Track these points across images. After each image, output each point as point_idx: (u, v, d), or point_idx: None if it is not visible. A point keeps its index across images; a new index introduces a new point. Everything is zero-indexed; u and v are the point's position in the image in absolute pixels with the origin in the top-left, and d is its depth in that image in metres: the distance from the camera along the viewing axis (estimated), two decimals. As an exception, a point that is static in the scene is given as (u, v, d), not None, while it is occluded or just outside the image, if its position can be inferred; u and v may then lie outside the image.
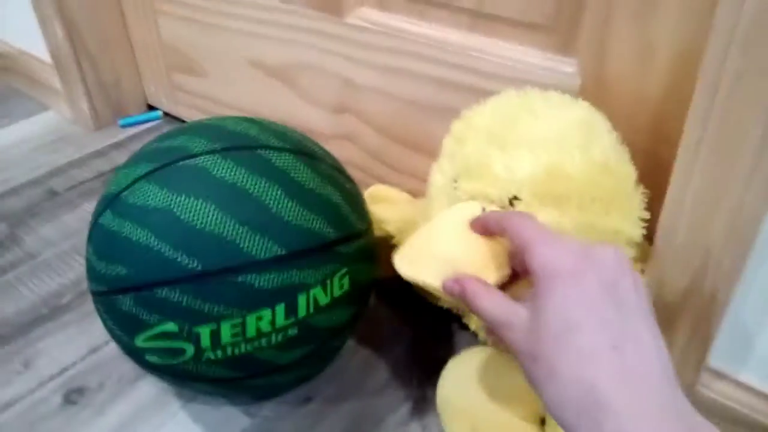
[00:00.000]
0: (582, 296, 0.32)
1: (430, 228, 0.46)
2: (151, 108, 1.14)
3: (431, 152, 0.70)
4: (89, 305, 0.73)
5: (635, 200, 0.47)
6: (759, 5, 0.37)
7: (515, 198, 0.45)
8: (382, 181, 0.77)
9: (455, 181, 0.48)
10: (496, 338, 0.37)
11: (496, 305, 0.36)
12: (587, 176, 0.44)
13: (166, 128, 1.08)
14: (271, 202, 0.48)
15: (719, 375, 0.54)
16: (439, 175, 0.51)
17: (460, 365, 0.57)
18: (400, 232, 0.64)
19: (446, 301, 0.66)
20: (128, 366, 0.66)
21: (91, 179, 0.97)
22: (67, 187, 0.96)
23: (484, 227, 0.40)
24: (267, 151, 0.52)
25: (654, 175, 0.48)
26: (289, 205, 0.49)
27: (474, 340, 0.65)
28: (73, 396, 0.64)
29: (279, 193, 0.49)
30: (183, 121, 1.08)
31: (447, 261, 0.42)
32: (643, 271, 0.51)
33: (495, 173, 0.45)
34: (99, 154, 1.04)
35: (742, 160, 0.42)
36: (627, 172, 0.47)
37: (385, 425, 0.59)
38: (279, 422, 0.60)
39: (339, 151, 0.75)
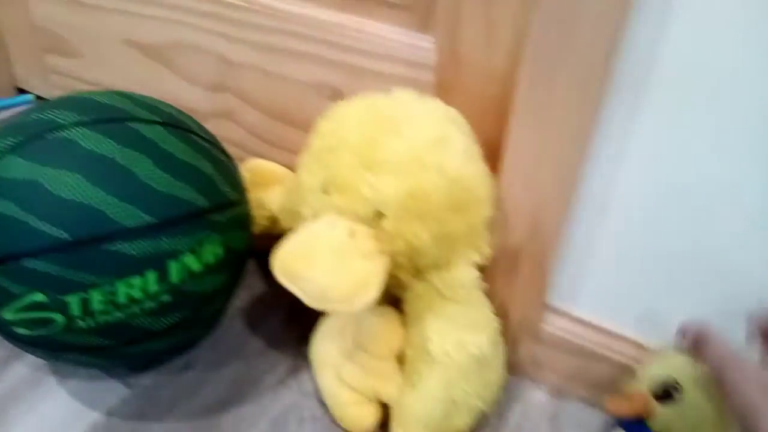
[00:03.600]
0: None
1: (304, 243, 0.49)
2: (22, 92, 1.09)
3: (308, 127, 0.74)
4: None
5: (485, 195, 0.53)
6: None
7: (381, 214, 0.49)
8: (262, 157, 0.79)
9: (325, 189, 0.51)
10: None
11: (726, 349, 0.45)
12: (443, 192, 0.49)
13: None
14: (140, 172, 0.50)
15: (558, 312, 0.61)
16: (306, 174, 0.53)
17: (327, 322, 0.61)
18: (282, 212, 0.66)
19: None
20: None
21: (-43, 165, 0.93)
22: (-71, 172, 0.91)
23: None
24: (136, 123, 0.53)
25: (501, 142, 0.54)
26: (159, 175, 0.50)
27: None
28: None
29: (148, 163, 0.50)
30: (59, 104, 1.05)
31: (318, 285, 0.47)
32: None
33: (362, 193, 0.49)
34: (-34, 139, 0.99)
35: (564, 123, 0.48)
36: (477, 176, 0.52)
37: (263, 386, 0.62)
38: (159, 390, 0.61)
39: (218, 129, 0.76)
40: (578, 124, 0.48)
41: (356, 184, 0.49)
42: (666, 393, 0.50)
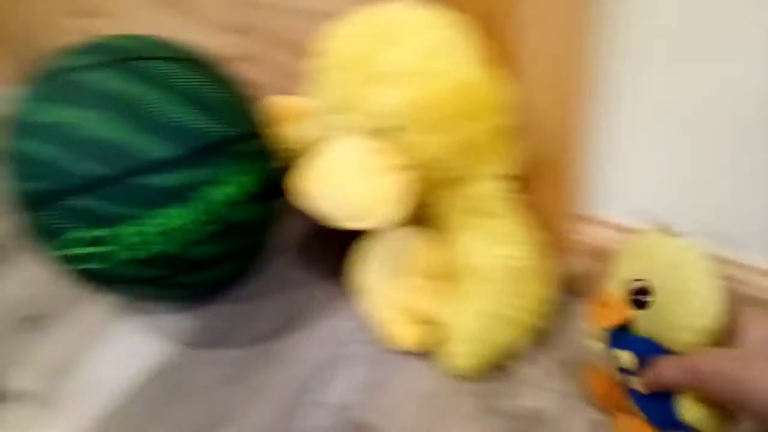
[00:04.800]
0: None
1: (322, 164, 0.50)
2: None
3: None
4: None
5: (495, 100, 0.52)
6: None
7: (392, 128, 0.49)
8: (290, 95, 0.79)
9: (337, 108, 0.51)
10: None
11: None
12: (450, 100, 0.48)
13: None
14: (166, 107, 0.51)
15: (587, 220, 0.60)
16: (315, 99, 0.54)
17: (368, 248, 0.62)
18: (305, 142, 0.67)
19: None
20: (73, 291, 0.69)
21: None
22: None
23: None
24: (155, 62, 0.54)
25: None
26: (184, 108, 0.52)
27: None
28: (28, 322, 0.67)
29: (172, 98, 0.52)
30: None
31: (341, 203, 0.48)
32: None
33: (365, 108, 0.49)
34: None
35: (576, 19, 0.46)
36: (484, 80, 0.51)
37: (311, 313, 0.66)
38: (217, 320, 0.66)
39: (244, 72, 0.78)
40: (592, 18, 0.46)
41: (362, 100, 0.49)
42: (640, 298, 0.45)
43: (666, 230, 0.46)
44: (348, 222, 0.49)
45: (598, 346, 0.50)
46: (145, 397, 0.59)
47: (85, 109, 0.50)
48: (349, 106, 0.50)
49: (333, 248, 0.71)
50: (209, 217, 0.53)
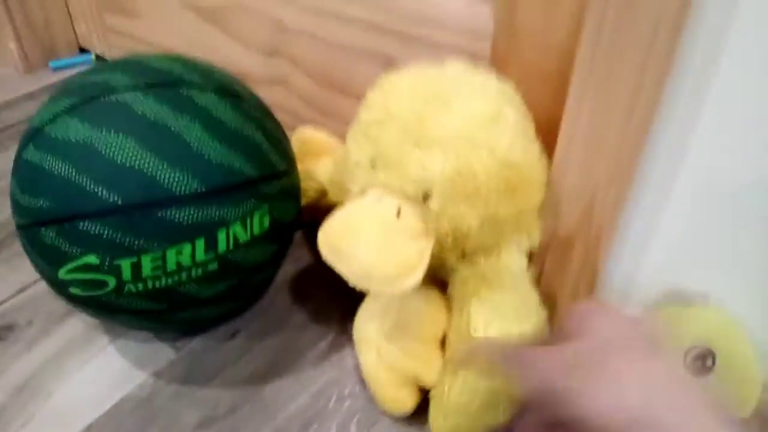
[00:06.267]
0: None
1: (350, 220, 0.48)
2: (83, 51, 1.11)
3: (360, 96, 0.72)
4: (19, 245, 0.73)
5: (537, 179, 0.50)
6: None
7: (428, 193, 0.47)
8: (313, 125, 0.78)
9: (373, 164, 0.49)
10: None
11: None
12: (493, 173, 0.47)
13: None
14: (192, 139, 0.50)
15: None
16: (354, 148, 0.51)
17: (371, 300, 0.60)
18: (331, 184, 0.66)
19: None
20: (57, 304, 0.67)
21: (21, 122, 0.96)
22: (-5, 129, 0.94)
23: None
24: (190, 90, 0.52)
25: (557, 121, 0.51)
26: (210, 143, 0.50)
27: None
28: (1, 332, 0.65)
29: (200, 130, 0.50)
30: (117, 65, 1.07)
31: (362, 263, 0.46)
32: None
33: (410, 171, 0.47)
34: (29, 97, 1.02)
35: (621, 102, 0.45)
36: (530, 158, 0.50)
37: (305, 359, 0.63)
38: (205, 354, 0.63)
39: (270, 95, 0.76)
40: (639, 106, 0.45)
41: (404, 161, 0.47)
42: (705, 363, 0.46)
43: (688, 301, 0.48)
44: (367, 284, 0.47)
45: None
46: (114, 426, 0.56)
47: (111, 131, 0.48)
48: (391, 164, 0.48)
49: (339, 293, 0.69)
50: (212, 257, 0.51)
